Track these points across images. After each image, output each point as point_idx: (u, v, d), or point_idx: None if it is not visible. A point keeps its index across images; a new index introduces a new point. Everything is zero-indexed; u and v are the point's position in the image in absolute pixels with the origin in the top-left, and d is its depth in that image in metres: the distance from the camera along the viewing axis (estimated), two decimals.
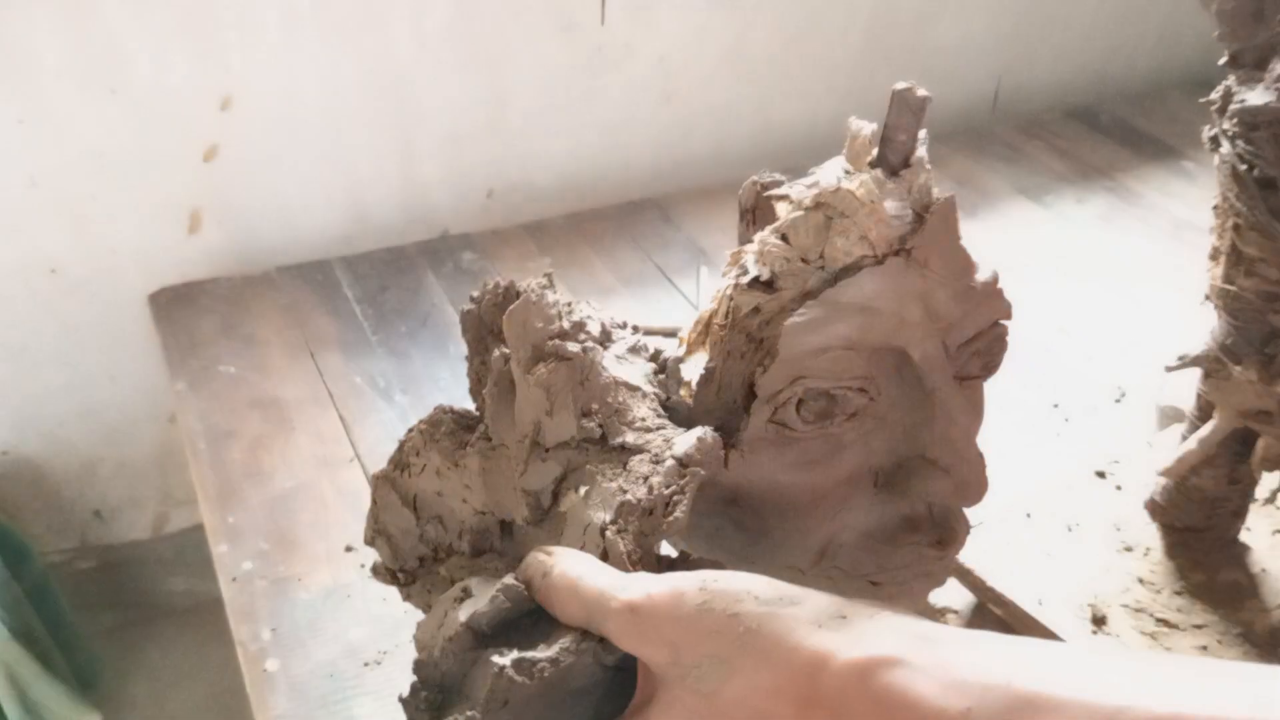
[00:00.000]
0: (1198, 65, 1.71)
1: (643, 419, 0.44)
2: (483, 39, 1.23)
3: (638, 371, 0.47)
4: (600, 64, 1.32)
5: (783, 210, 0.45)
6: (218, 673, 0.87)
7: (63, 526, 1.32)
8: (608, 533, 0.40)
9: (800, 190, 0.44)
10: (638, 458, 0.42)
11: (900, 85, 0.41)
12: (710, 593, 0.35)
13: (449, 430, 0.46)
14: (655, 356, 0.48)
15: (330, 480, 0.90)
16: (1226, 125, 0.60)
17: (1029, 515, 0.74)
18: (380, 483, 0.46)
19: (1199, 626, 0.67)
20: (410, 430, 0.46)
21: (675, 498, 0.41)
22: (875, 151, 0.43)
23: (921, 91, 0.41)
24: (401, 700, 0.39)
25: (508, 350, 0.45)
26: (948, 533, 0.46)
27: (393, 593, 0.79)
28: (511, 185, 1.35)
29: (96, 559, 1.35)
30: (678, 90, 1.39)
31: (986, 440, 1.00)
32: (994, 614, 0.70)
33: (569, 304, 0.46)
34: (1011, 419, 0.99)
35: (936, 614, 0.72)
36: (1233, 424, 0.65)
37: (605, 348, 0.46)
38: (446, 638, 0.39)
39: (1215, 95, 0.61)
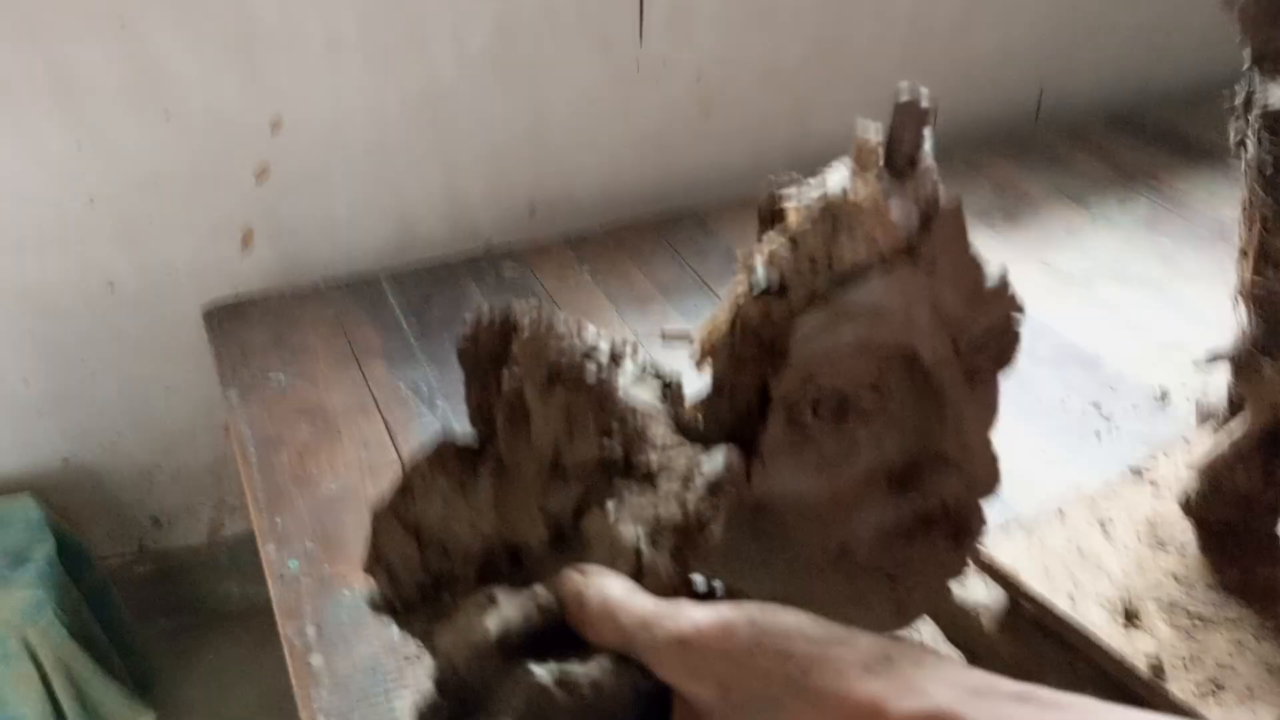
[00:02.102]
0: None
1: (662, 439, 0.45)
2: (522, 58, 1.26)
3: (650, 392, 0.47)
4: (638, 80, 1.34)
5: (794, 216, 0.46)
6: (271, 675, 0.89)
7: (121, 533, 1.36)
8: (643, 548, 0.40)
9: (808, 195, 0.45)
10: (665, 477, 0.43)
11: (904, 97, 0.42)
12: (760, 629, 0.34)
13: (455, 456, 0.46)
14: (661, 377, 0.49)
15: (374, 484, 0.93)
16: (1252, 126, 0.60)
17: (1062, 513, 0.74)
18: (382, 511, 0.46)
19: (1233, 621, 0.66)
20: (414, 456, 0.46)
21: (709, 516, 0.41)
22: (881, 157, 0.45)
23: (924, 102, 0.42)
24: (418, 712, 0.39)
25: (519, 372, 0.45)
26: (963, 527, 0.47)
27: None
28: (552, 199, 1.38)
29: (154, 564, 1.39)
30: (715, 104, 1.41)
31: (1027, 441, 1.00)
32: (1025, 611, 0.70)
33: (580, 324, 0.47)
34: (1053, 421, 0.99)
35: (967, 612, 0.73)
36: (1264, 419, 0.65)
37: (617, 369, 0.47)
38: (474, 648, 0.38)
39: (1238, 97, 0.61)
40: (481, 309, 0.47)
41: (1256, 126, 0.60)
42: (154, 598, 1.40)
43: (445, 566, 0.45)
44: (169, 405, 1.30)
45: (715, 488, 0.42)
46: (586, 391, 0.44)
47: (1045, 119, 1.67)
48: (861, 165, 0.45)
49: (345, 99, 1.20)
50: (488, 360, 0.47)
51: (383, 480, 0.93)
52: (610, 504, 0.42)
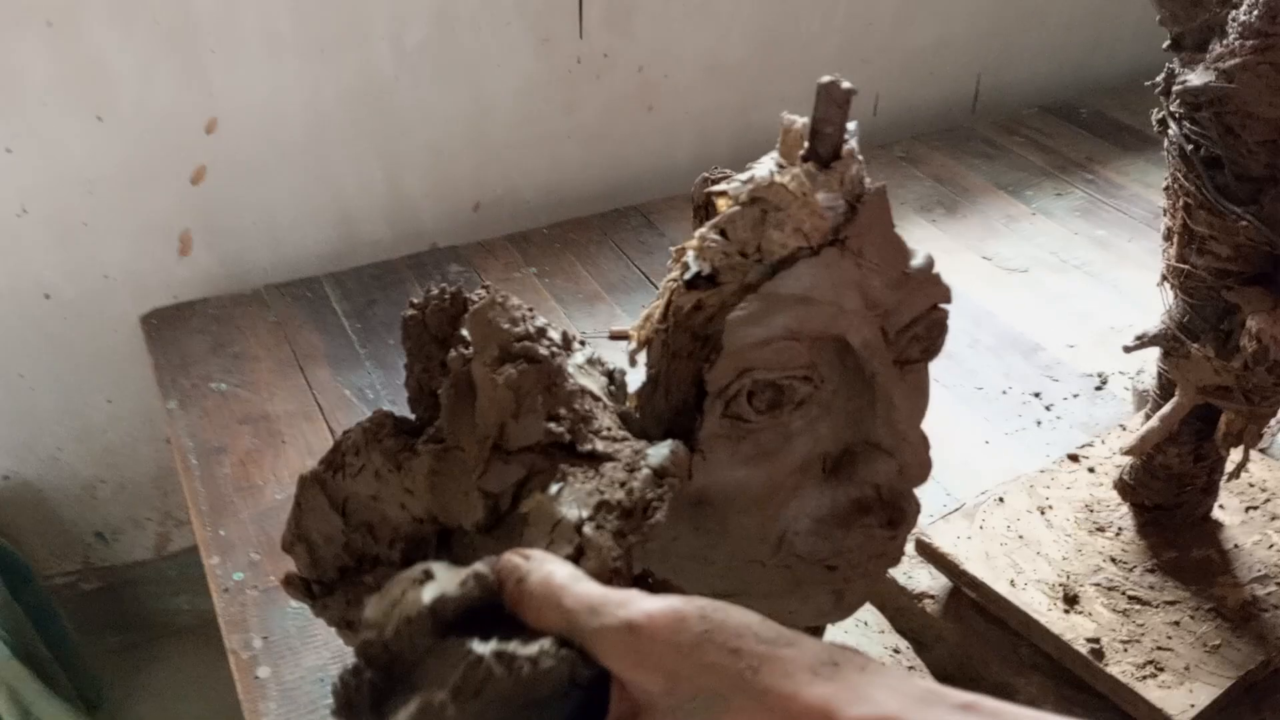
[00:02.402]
0: None
1: (608, 429, 0.44)
2: (463, 53, 1.25)
3: (595, 384, 0.47)
4: (580, 75, 1.34)
5: (724, 206, 0.46)
6: (221, 690, 0.87)
7: (65, 549, 1.33)
8: (586, 528, 0.40)
9: (737, 186, 0.45)
10: (610, 465, 0.42)
11: (825, 79, 0.43)
12: (712, 623, 0.34)
13: (392, 432, 0.45)
14: (608, 371, 0.49)
15: None
16: (1172, 107, 0.62)
17: (1001, 500, 0.75)
18: (308, 484, 0.44)
19: (1170, 603, 0.68)
20: (349, 431, 0.45)
21: (654, 504, 0.41)
22: (807, 145, 0.45)
23: (845, 84, 0.42)
24: (339, 680, 0.37)
25: (466, 351, 0.44)
26: (897, 513, 0.47)
27: None
28: (496, 197, 1.37)
29: (100, 580, 1.37)
30: (658, 99, 1.41)
31: (968, 428, 1.01)
32: (968, 597, 0.71)
33: (531, 309, 0.46)
34: (994, 408, 1.00)
35: (912, 599, 0.73)
36: (1193, 401, 0.66)
37: (567, 354, 0.46)
38: (405, 618, 0.37)
39: (1160, 79, 0.62)
40: (433, 287, 0.46)
41: (1176, 107, 0.61)
42: (101, 614, 1.37)
43: (369, 548, 0.44)
44: (110, 417, 1.27)
45: (661, 473, 0.41)
46: (537, 371, 0.43)
47: (982, 109, 1.69)
48: (787, 152, 0.45)
49: (283, 97, 1.18)
50: (433, 338, 0.46)
51: None
52: (554, 486, 0.42)
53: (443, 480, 0.44)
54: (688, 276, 0.44)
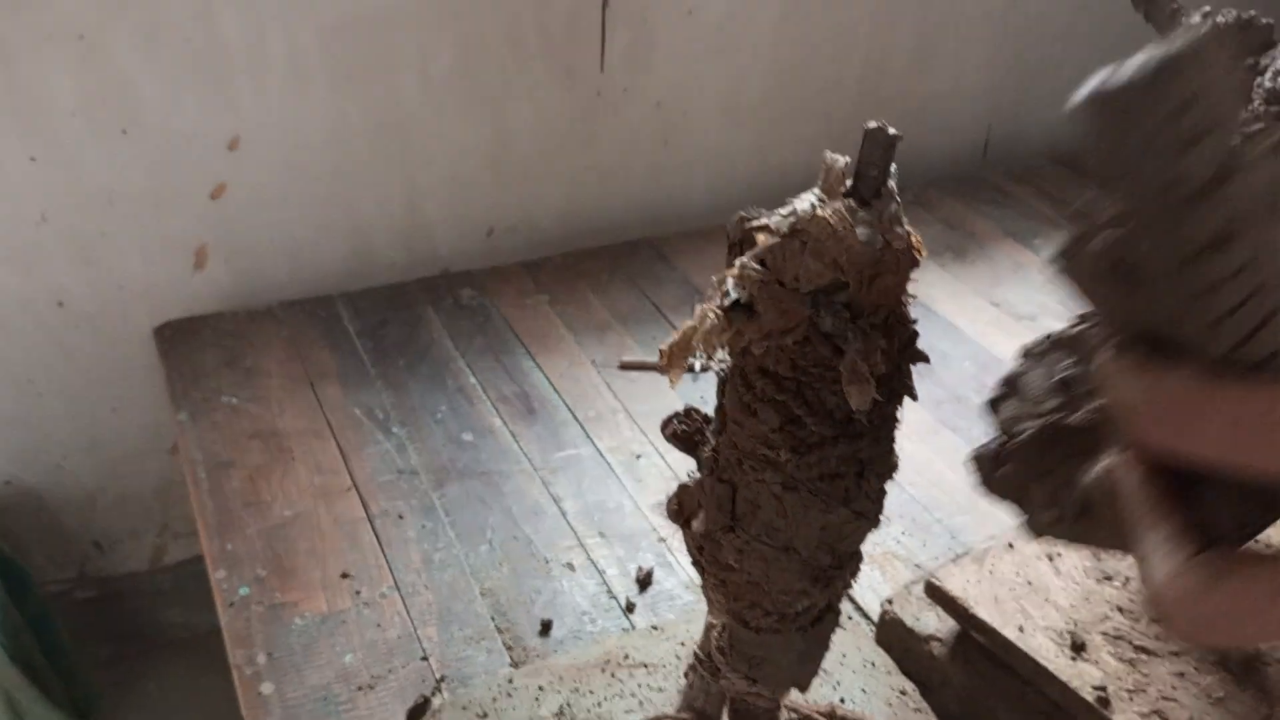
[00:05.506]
0: None
1: None
2: (485, 83, 1.27)
3: None
4: (599, 109, 1.35)
5: (763, 240, 0.47)
6: (213, 704, 0.88)
7: (63, 557, 1.33)
8: None
9: (778, 220, 0.46)
10: None
11: (872, 124, 0.44)
12: None
13: None
14: None
15: (327, 510, 0.92)
16: None
17: (1011, 545, 0.76)
18: None
19: (1176, 654, 0.68)
20: None
21: None
22: (848, 183, 0.46)
23: (892, 130, 0.43)
24: None
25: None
26: None
27: (388, 619, 0.80)
28: (511, 225, 1.38)
29: (95, 589, 1.36)
30: (675, 135, 1.42)
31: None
32: (976, 641, 0.71)
33: None
34: None
35: (920, 641, 0.74)
36: None
37: None
38: None
39: None
40: None
41: None
42: (95, 624, 1.37)
43: None
44: (116, 427, 1.27)
45: None
46: None
47: (993, 158, 1.72)
48: (829, 189, 0.46)
49: (306, 120, 1.20)
50: None
51: (337, 506, 0.92)
52: None
53: None
54: (726, 303, 0.46)
